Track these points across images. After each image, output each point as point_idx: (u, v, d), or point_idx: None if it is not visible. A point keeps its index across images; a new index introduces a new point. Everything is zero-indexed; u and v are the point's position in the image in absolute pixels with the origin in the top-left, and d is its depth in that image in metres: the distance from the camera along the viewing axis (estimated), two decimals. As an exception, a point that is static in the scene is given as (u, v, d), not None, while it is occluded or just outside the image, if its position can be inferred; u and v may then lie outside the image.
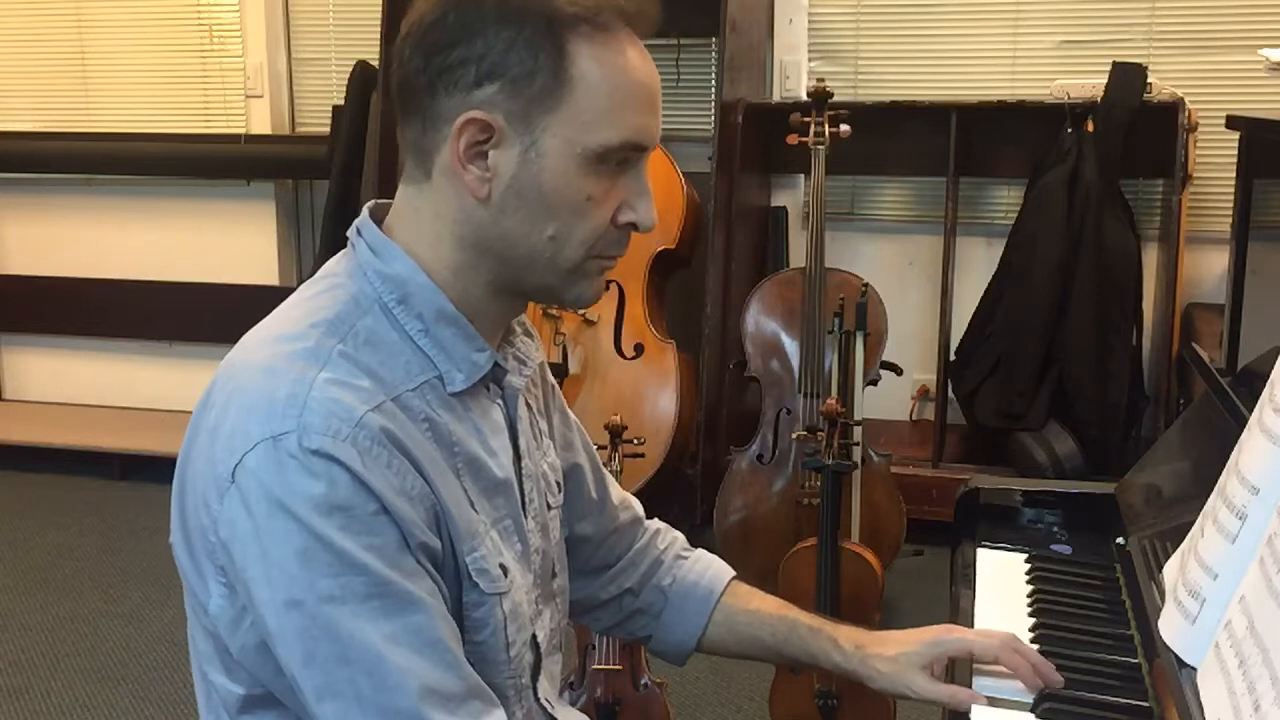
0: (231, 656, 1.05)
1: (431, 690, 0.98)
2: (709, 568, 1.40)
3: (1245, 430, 1.17)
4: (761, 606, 1.37)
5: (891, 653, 1.28)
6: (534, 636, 1.16)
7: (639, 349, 3.53)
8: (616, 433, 2.43)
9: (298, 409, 0.97)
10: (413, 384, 1.05)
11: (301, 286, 1.12)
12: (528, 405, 1.20)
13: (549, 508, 1.22)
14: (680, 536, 1.44)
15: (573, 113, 1.02)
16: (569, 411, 1.35)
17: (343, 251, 1.13)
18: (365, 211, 1.13)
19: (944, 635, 1.28)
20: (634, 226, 1.08)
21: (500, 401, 1.14)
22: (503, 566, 1.09)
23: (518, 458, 1.16)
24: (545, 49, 1.01)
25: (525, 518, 1.15)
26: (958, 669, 1.27)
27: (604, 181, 1.05)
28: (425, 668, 0.98)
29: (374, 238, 1.09)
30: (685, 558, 1.40)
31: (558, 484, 1.25)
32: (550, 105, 1.02)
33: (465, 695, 1.00)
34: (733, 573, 1.41)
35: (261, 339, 1.06)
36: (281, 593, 0.96)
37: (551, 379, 1.31)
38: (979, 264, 3.84)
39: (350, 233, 1.12)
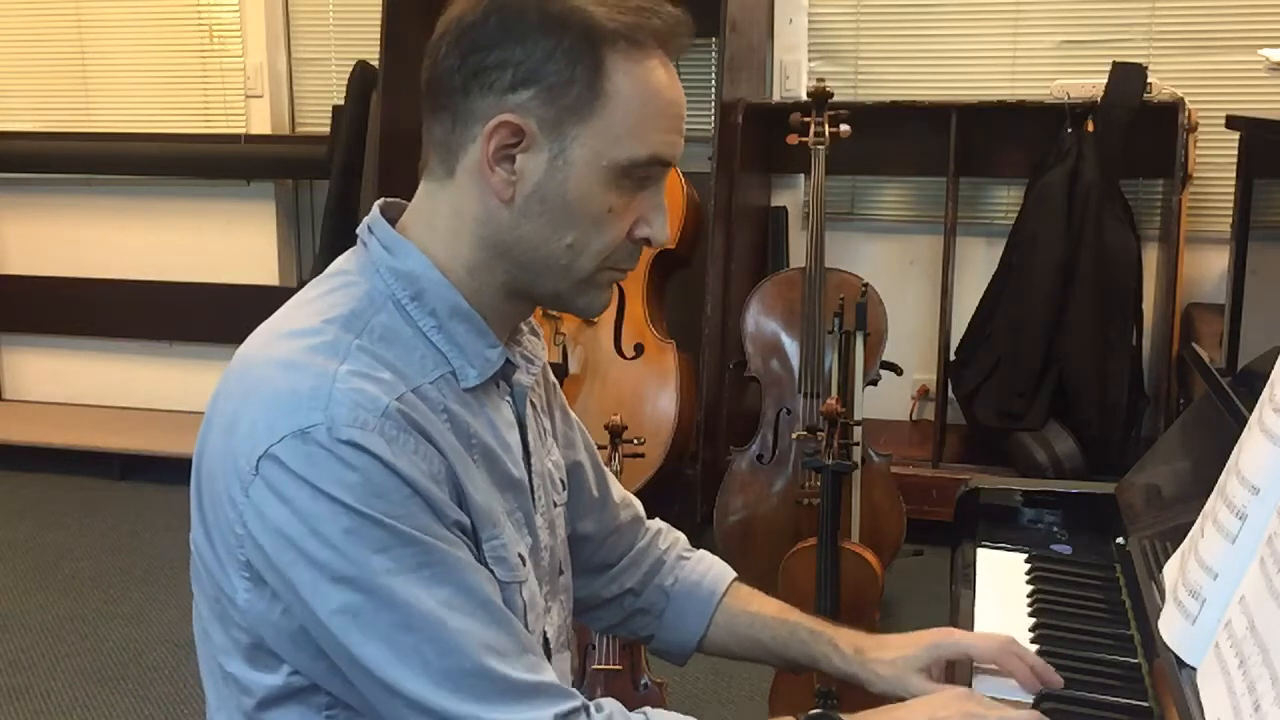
0: (260, 649, 1.05)
1: (490, 647, 1.00)
2: (711, 569, 1.41)
3: (1245, 430, 1.17)
4: (762, 609, 1.38)
5: (890, 656, 1.28)
6: (543, 632, 1.17)
7: (639, 349, 3.53)
8: (616, 433, 2.43)
9: (323, 401, 0.99)
10: (429, 378, 1.06)
11: (310, 284, 1.13)
12: (532, 404, 1.21)
13: (554, 505, 1.23)
14: (682, 537, 1.44)
15: (604, 125, 1.04)
16: (570, 410, 1.35)
17: (352, 249, 1.13)
18: (376, 209, 1.13)
19: (942, 639, 1.29)
20: (647, 241, 1.10)
21: (510, 399, 1.15)
22: (520, 555, 1.11)
23: (527, 454, 1.17)
24: (583, 61, 1.03)
25: (535, 513, 1.16)
26: (957, 670, 1.27)
27: (625, 195, 1.07)
28: (481, 628, 1.00)
29: (386, 235, 1.10)
30: (687, 558, 1.41)
31: (562, 482, 1.26)
32: (583, 116, 1.03)
33: (520, 650, 1.03)
34: (734, 574, 1.41)
35: (275, 335, 1.07)
36: (330, 572, 0.97)
37: (553, 378, 1.32)
38: (979, 264, 3.84)
39: (360, 230, 1.13)
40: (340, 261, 1.13)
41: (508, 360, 1.13)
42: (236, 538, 1.02)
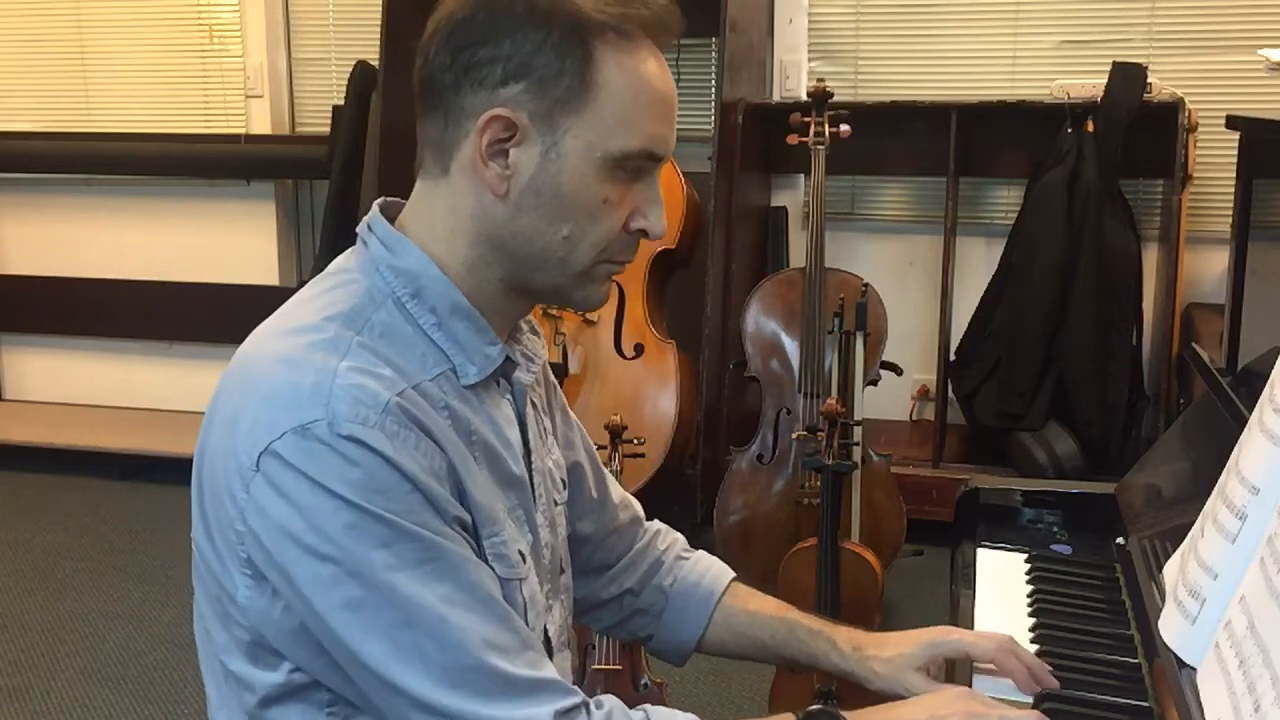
0: (262, 646, 1.05)
1: (491, 643, 1.00)
2: (709, 569, 1.41)
3: (1245, 430, 1.17)
4: (761, 608, 1.38)
5: (889, 654, 1.29)
6: (545, 630, 1.17)
7: (639, 349, 3.53)
8: (616, 432, 2.43)
9: (324, 397, 0.99)
10: (429, 375, 1.06)
11: (311, 282, 1.13)
12: (533, 403, 1.21)
13: (555, 503, 1.23)
14: (680, 538, 1.45)
15: (595, 117, 1.04)
16: (569, 410, 1.36)
17: (352, 248, 1.14)
18: (375, 208, 1.14)
19: (941, 637, 1.29)
20: (644, 233, 1.10)
21: (510, 396, 1.16)
22: (521, 553, 1.11)
23: (528, 452, 1.17)
24: (572, 53, 1.03)
25: (536, 511, 1.16)
26: (957, 669, 1.27)
27: (619, 187, 1.07)
28: (482, 624, 1.00)
29: (386, 233, 1.11)
30: (686, 558, 1.42)
31: (563, 481, 1.27)
32: (574, 108, 1.04)
33: (521, 646, 1.03)
34: (733, 574, 1.42)
35: (275, 332, 1.07)
36: (331, 567, 0.98)
37: (553, 378, 1.33)
38: (979, 264, 3.84)
39: (360, 229, 1.13)
40: (340, 260, 1.14)
41: (508, 358, 1.13)
42: (237, 534, 1.02)
